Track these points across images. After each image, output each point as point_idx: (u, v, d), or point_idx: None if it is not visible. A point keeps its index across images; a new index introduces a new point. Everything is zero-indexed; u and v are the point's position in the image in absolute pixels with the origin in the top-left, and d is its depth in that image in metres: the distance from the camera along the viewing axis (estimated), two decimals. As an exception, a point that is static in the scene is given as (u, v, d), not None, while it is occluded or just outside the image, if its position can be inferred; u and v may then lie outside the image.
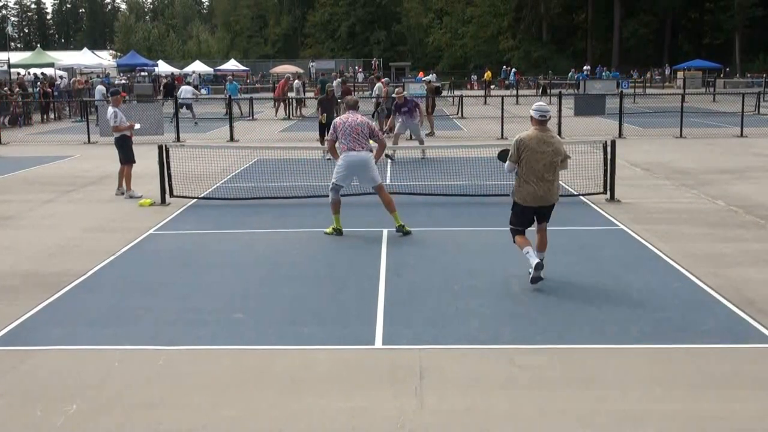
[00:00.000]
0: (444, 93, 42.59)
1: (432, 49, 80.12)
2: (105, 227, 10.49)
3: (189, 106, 28.48)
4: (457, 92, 41.27)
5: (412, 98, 17.35)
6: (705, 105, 30.87)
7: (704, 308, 6.78)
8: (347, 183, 9.82)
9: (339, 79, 31.97)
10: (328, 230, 9.75)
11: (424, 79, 33.82)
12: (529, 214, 7.49)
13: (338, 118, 9.79)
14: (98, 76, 44.22)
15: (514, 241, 7.59)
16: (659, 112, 28.06)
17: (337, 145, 9.75)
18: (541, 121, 7.33)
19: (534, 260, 7.25)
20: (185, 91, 29.89)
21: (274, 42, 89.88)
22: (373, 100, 24.56)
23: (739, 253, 8.62)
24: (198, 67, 58.04)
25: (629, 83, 48.43)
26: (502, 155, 7.77)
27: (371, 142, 9.70)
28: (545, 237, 7.63)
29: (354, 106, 9.83)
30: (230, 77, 47.35)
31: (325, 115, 17.32)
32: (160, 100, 31.99)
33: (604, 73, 55.39)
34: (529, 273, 7.31)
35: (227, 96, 28.10)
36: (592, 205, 11.45)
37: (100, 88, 30.16)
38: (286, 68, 62.77)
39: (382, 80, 24.30)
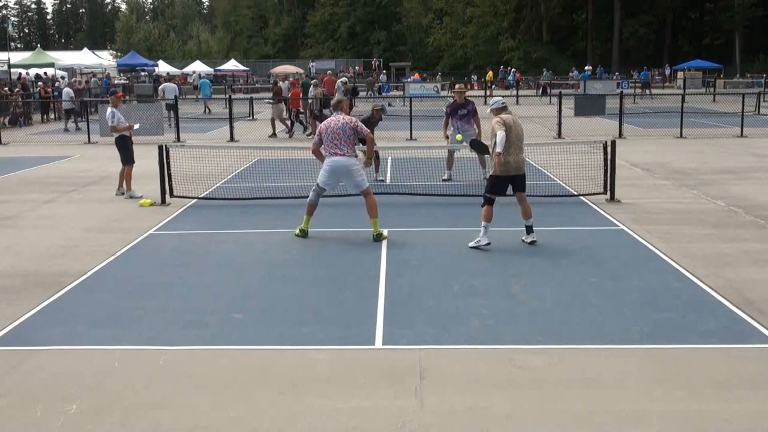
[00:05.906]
0: (444, 93, 42.60)
1: (432, 50, 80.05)
2: (105, 227, 10.49)
3: (171, 107, 25.05)
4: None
5: (472, 100, 14.24)
6: (705, 105, 30.81)
7: (704, 308, 6.77)
8: (330, 187, 9.72)
9: (344, 79, 31.20)
10: (297, 232, 9.63)
11: (341, 80, 31.62)
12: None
13: (323, 122, 9.57)
14: (62, 78, 40.32)
15: None
16: (659, 113, 28.05)
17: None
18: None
19: None
20: (169, 90, 27.83)
21: (274, 42, 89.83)
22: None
23: (739, 253, 8.62)
24: (198, 67, 58.02)
25: (629, 83, 48.35)
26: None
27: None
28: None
29: (336, 107, 9.61)
30: (204, 76, 45.23)
31: None
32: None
33: (574, 74, 53.08)
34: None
35: (228, 95, 27.80)
36: (592, 205, 11.45)
37: (67, 91, 27.49)
38: (286, 68, 62.80)
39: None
